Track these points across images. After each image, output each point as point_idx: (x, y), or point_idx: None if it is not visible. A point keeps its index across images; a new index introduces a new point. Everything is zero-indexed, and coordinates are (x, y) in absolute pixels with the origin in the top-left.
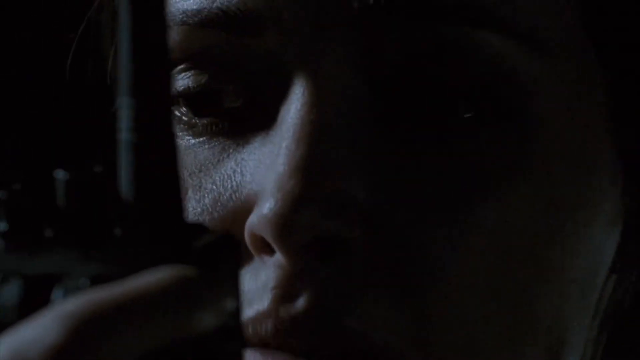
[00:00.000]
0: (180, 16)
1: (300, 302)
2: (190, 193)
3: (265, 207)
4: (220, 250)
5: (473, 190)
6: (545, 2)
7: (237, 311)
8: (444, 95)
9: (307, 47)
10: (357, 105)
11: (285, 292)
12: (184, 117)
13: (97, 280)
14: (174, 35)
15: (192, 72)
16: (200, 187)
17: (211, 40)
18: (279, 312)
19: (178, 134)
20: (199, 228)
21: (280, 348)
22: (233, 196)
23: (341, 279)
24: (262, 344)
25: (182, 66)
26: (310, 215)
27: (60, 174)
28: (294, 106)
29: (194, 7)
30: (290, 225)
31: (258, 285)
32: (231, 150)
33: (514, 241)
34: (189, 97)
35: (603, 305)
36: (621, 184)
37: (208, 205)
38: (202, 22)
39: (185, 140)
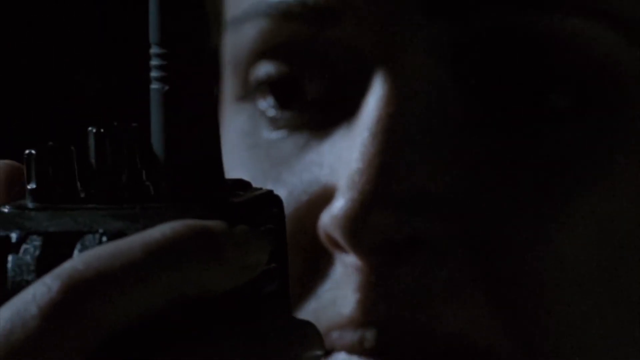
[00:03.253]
0: (264, 8)
1: (383, 307)
2: (269, 186)
3: (336, 206)
4: (262, 208)
5: (566, 182)
6: None
7: (274, 272)
8: (533, 86)
9: (385, 38)
10: (441, 97)
11: (366, 297)
12: (267, 112)
13: (117, 237)
14: (258, 27)
15: (275, 63)
16: (279, 179)
17: (293, 32)
18: (361, 319)
19: (261, 128)
20: (239, 184)
21: (368, 355)
22: (309, 188)
23: (425, 279)
24: (348, 351)
25: (265, 58)
26: (382, 216)
27: (92, 130)
28: (373, 99)
29: None
30: (360, 226)
31: (337, 283)
32: (314, 143)
33: (612, 232)
34: (272, 87)
35: None
36: None
37: (284, 196)
38: (284, 14)
39: (267, 134)
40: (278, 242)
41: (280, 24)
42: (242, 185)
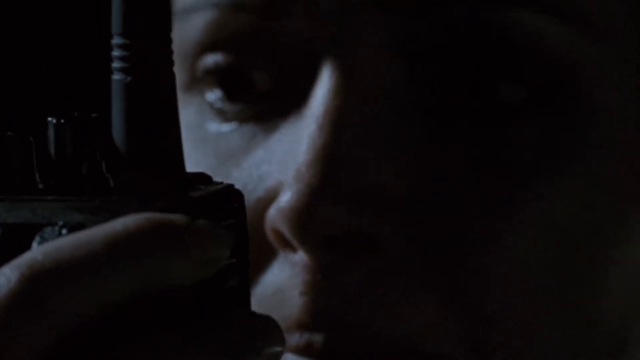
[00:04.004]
0: None
1: (330, 311)
2: None
3: (283, 199)
4: (223, 202)
5: (518, 178)
6: None
7: (235, 267)
8: (486, 81)
9: (336, 31)
10: (393, 92)
11: (312, 299)
12: (214, 104)
13: (77, 229)
14: (206, 17)
15: (224, 54)
16: (228, 176)
17: (242, 23)
18: (308, 322)
19: (208, 120)
20: (200, 178)
21: (317, 357)
22: (259, 186)
23: (375, 281)
24: (296, 353)
25: (213, 49)
26: (330, 209)
27: (53, 121)
28: (321, 91)
29: None
30: (307, 219)
31: (284, 284)
32: (261, 137)
33: (566, 234)
34: (220, 78)
35: None
36: None
37: None
38: (234, 5)
39: (215, 127)
40: (239, 236)
41: (229, 15)
42: (203, 179)
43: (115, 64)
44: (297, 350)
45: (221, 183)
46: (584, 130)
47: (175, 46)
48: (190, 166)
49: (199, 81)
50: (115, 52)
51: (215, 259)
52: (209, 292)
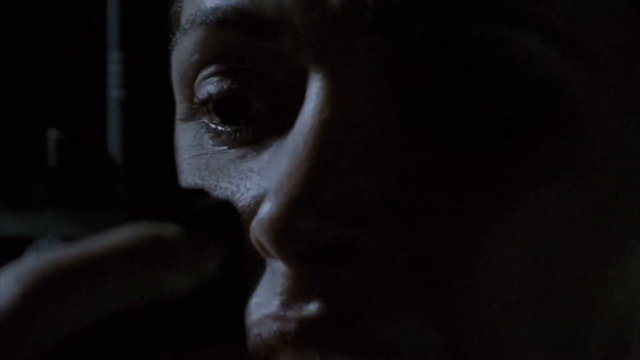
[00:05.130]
0: (200, 16)
1: (311, 307)
2: None
3: (263, 210)
4: (218, 216)
5: (501, 193)
6: (589, 14)
7: (226, 279)
8: (471, 95)
9: (322, 51)
10: (377, 103)
11: (293, 298)
12: (210, 125)
13: (69, 241)
14: (195, 38)
15: (216, 78)
16: (216, 186)
17: (231, 41)
18: (286, 315)
19: (205, 140)
20: (195, 192)
21: (286, 353)
22: (244, 196)
23: (353, 287)
24: (267, 350)
25: (206, 72)
26: (309, 220)
27: (51, 133)
28: (308, 107)
29: (211, 5)
30: (285, 230)
31: (268, 291)
32: (253, 154)
33: (545, 248)
34: (216, 104)
35: None
36: None
37: None
38: (219, 21)
39: (211, 147)
40: (233, 250)
41: (216, 33)
42: (198, 193)
43: (112, 79)
44: (273, 338)
45: (217, 198)
46: (568, 147)
47: (173, 73)
48: (183, 179)
49: (196, 111)
50: (112, 67)
51: (206, 271)
52: (198, 303)
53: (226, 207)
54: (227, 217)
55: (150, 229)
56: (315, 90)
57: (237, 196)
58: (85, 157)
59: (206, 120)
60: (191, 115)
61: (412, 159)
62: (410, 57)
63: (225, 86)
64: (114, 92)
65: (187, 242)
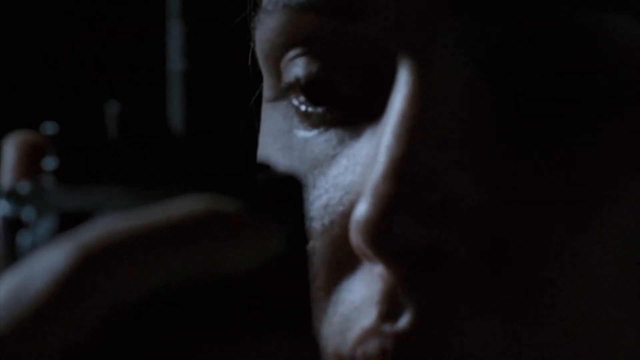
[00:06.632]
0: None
1: (404, 319)
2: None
3: (358, 212)
4: (281, 191)
5: (605, 190)
6: None
7: (287, 257)
8: (567, 84)
9: (411, 36)
10: (470, 98)
11: (389, 308)
12: (300, 107)
13: (71, 218)
14: (279, 18)
15: (303, 59)
16: (315, 186)
17: (317, 25)
18: (383, 330)
19: (295, 126)
20: (259, 166)
21: None
22: (344, 198)
23: (446, 293)
24: (365, 358)
25: (292, 54)
26: (406, 222)
27: (112, 107)
28: (398, 99)
29: None
30: (381, 231)
31: (365, 296)
32: (345, 143)
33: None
34: (303, 85)
35: None
36: None
37: (322, 208)
38: (303, 6)
39: (301, 133)
40: (298, 227)
41: (300, 16)
42: (262, 167)
43: (172, 51)
44: (370, 357)
45: (282, 172)
46: None
47: (258, 52)
48: (273, 163)
49: (284, 92)
50: (172, 38)
51: (268, 247)
52: (260, 281)
53: (291, 181)
54: (292, 192)
55: (211, 202)
56: (404, 80)
57: (335, 199)
58: (146, 130)
59: (295, 102)
60: (279, 96)
61: (506, 157)
62: (501, 43)
63: (312, 70)
64: (175, 63)
65: (248, 217)
